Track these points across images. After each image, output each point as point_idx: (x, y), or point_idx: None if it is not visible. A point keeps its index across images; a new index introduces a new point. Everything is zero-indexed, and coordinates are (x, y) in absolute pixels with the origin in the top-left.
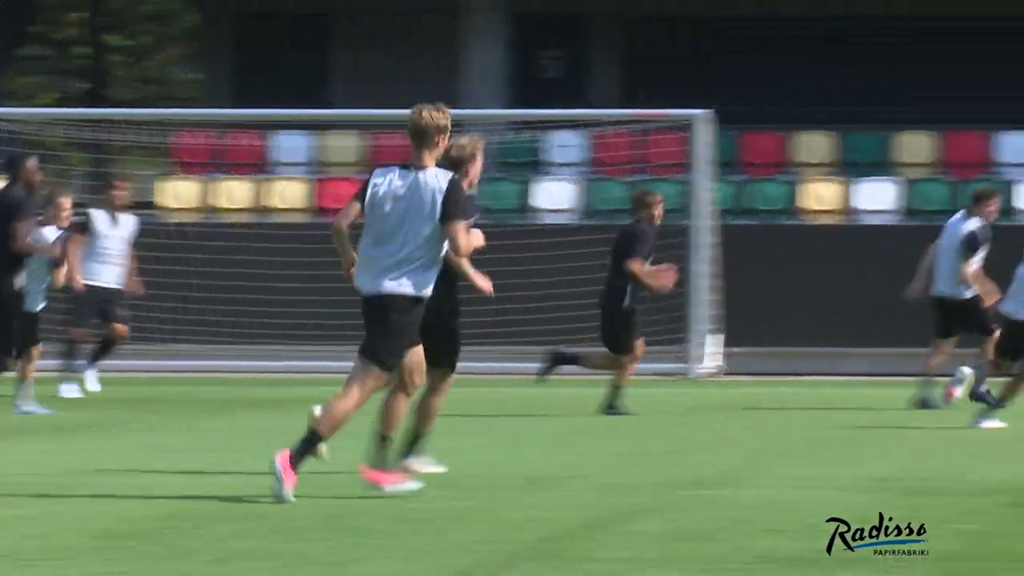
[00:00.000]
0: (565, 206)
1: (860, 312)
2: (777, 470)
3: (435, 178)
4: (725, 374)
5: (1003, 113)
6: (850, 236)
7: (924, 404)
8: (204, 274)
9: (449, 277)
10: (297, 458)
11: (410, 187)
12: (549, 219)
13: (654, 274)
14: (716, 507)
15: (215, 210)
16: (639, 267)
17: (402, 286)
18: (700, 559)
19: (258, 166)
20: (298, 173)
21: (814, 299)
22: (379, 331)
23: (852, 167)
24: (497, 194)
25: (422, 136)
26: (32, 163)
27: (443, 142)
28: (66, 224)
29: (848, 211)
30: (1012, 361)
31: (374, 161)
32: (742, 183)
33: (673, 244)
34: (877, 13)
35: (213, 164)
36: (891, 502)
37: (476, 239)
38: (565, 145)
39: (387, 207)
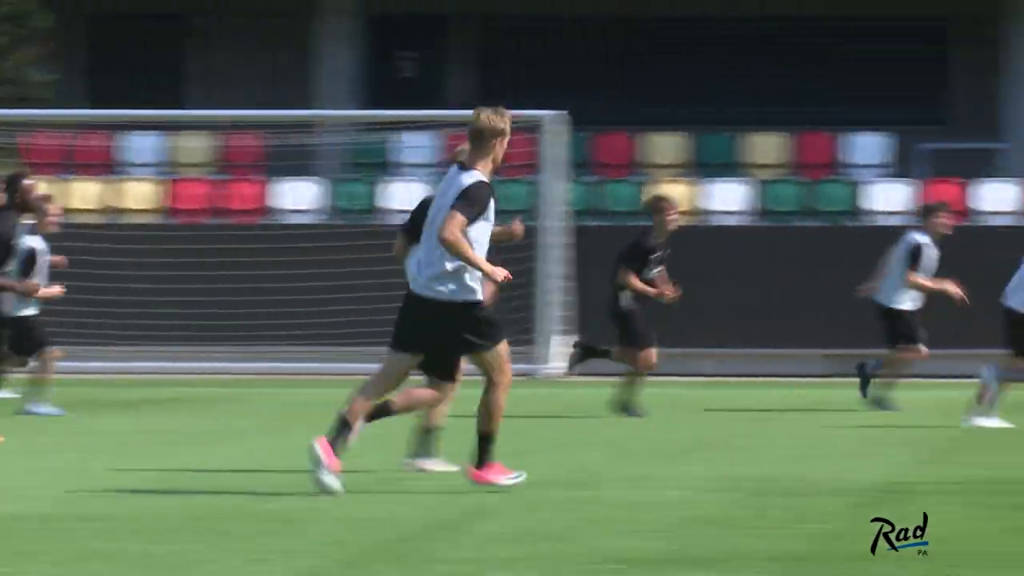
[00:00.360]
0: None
1: (711, 312)
2: (626, 471)
3: (468, 176)
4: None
5: (852, 114)
6: (699, 237)
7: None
8: (56, 275)
9: None
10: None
11: (446, 183)
12: (399, 219)
13: (650, 287)
14: (565, 508)
15: (66, 211)
16: (629, 280)
17: (441, 291)
18: (549, 559)
19: (109, 167)
20: (149, 174)
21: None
22: (439, 334)
23: (703, 168)
24: (347, 195)
25: (477, 138)
26: (28, 183)
27: (499, 146)
28: (54, 230)
29: (699, 212)
30: None
31: (226, 162)
32: (594, 184)
33: (522, 245)
34: (735, 14)
35: (63, 165)
36: (741, 503)
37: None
38: (416, 146)
39: (431, 204)
